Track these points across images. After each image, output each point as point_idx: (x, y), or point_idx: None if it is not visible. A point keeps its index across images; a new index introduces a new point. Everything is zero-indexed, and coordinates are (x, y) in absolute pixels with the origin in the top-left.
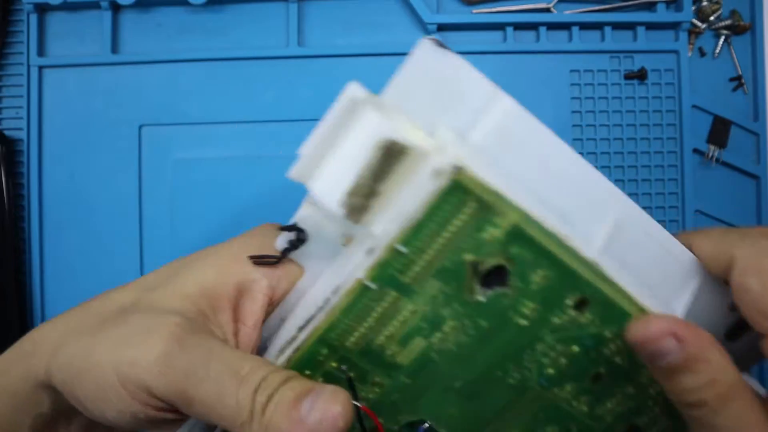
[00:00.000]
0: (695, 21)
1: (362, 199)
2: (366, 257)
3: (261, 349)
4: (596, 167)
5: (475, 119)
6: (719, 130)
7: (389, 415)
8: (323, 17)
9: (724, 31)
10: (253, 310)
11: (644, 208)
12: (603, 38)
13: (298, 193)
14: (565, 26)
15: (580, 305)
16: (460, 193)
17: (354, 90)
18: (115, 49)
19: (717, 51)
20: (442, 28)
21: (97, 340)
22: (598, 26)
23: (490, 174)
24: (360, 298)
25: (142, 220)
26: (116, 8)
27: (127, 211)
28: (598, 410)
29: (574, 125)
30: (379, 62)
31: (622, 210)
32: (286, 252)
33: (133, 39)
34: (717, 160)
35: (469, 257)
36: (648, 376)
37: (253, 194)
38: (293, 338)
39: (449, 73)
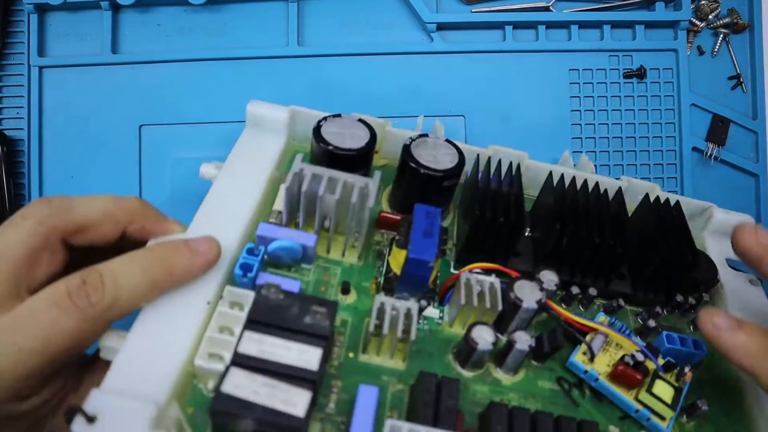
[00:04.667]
0: (694, 19)
1: None
2: None
3: None
4: (595, 166)
5: None
6: (718, 129)
7: None
8: (323, 17)
9: (723, 30)
10: None
11: None
12: (602, 37)
13: None
14: (564, 25)
15: None
16: None
17: None
18: (115, 49)
19: (716, 49)
20: (441, 27)
21: None
22: (597, 25)
23: None
24: None
25: None
26: (116, 8)
27: None
28: None
29: (573, 124)
30: (379, 61)
31: None
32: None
33: (133, 39)
34: (716, 159)
35: None
36: None
37: None
38: None
39: None
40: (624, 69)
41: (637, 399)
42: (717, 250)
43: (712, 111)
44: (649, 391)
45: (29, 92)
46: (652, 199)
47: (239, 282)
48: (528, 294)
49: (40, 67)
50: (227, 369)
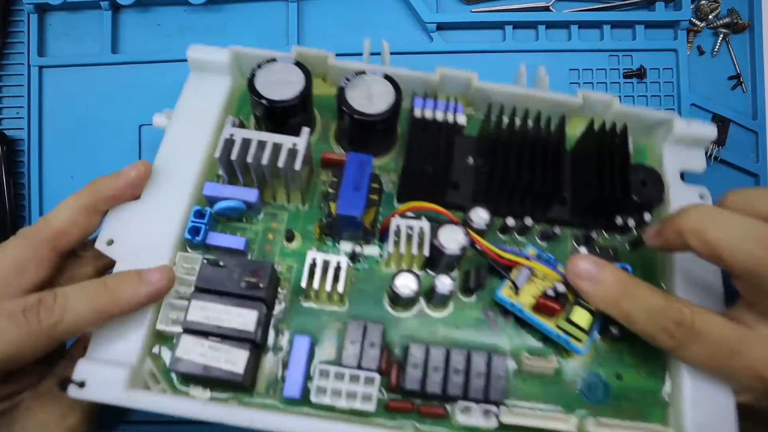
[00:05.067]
0: (694, 19)
1: None
2: None
3: None
4: None
5: None
6: (718, 129)
7: None
8: (323, 17)
9: (723, 30)
10: None
11: None
12: (602, 37)
13: None
14: (564, 25)
15: None
16: None
17: None
18: (115, 49)
19: (716, 49)
20: (441, 27)
21: None
22: (597, 25)
23: None
24: None
25: None
26: (116, 8)
27: None
28: None
29: None
30: (379, 61)
31: None
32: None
33: (133, 39)
34: (716, 159)
35: None
36: None
37: None
38: None
39: None
40: (624, 69)
41: (557, 326)
42: (674, 162)
43: (712, 111)
44: (568, 319)
45: (29, 92)
46: (599, 125)
47: (191, 244)
48: (452, 240)
49: (40, 67)
50: (180, 336)
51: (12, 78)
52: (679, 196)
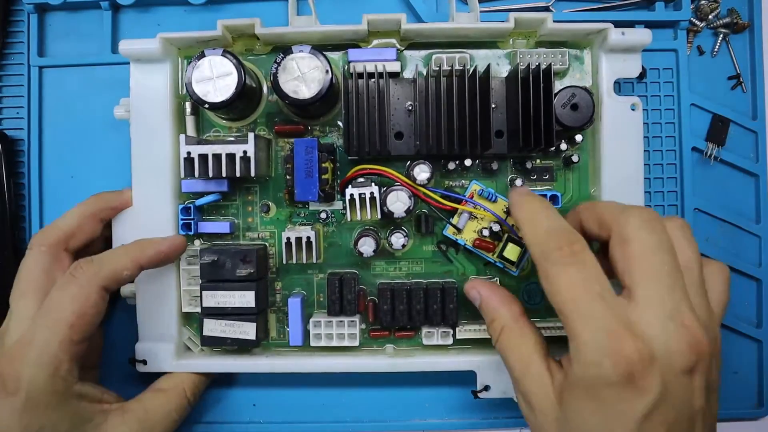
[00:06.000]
0: (694, 20)
1: None
2: None
3: None
4: None
5: None
6: (718, 129)
7: None
8: (322, 17)
9: (723, 30)
10: None
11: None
12: None
13: None
14: None
15: None
16: None
17: None
18: (115, 49)
19: (715, 49)
20: None
21: None
22: None
23: None
24: None
25: None
26: (116, 8)
27: None
28: None
29: None
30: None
31: None
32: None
33: (133, 39)
34: (716, 159)
35: None
36: None
37: None
38: None
39: None
40: None
41: (495, 256)
42: (610, 71)
43: (712, 111)
44: (500, 255)
45: (29, 92)
46: (522, 61)
47: (187, 235)
48: (398, 203)
49: (40, 67)
50: (202, 319)
51: (12, 78)
52: (610, 109)
